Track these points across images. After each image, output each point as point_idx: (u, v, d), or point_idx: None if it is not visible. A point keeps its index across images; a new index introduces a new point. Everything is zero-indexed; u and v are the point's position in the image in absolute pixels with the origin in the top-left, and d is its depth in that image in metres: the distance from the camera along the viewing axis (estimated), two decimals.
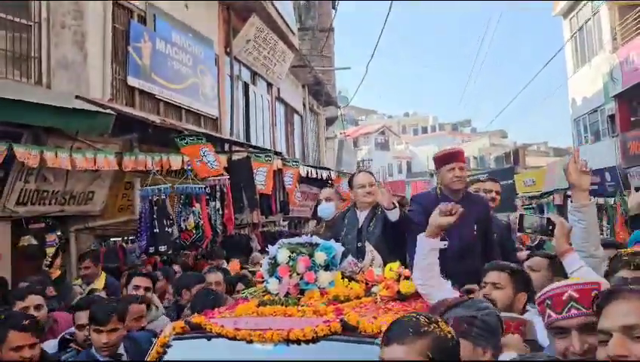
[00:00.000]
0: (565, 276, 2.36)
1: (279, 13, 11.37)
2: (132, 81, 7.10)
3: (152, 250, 5.92)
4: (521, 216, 2.71)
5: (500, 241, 3.82)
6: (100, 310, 2.89)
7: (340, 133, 25.31)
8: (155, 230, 5.90)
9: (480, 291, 2.63)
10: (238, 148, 8.44)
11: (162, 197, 5.93)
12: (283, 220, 11.49)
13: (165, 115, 7.80)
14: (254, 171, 7.59)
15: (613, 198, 14.07)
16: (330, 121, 21.00)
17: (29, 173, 5.24)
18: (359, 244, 3.54)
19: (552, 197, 19.58)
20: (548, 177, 20.41)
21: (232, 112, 9.98)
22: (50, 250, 5.36)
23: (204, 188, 6.43)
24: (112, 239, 6.75)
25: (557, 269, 2.64)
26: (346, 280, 2.72)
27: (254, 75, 11.65)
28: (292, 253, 2.71)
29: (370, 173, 4.09)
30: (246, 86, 11.22)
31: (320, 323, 2.08)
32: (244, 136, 10.83)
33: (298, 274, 2.63)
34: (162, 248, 6.03)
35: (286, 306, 2.42)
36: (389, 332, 1.53)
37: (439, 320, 1.54)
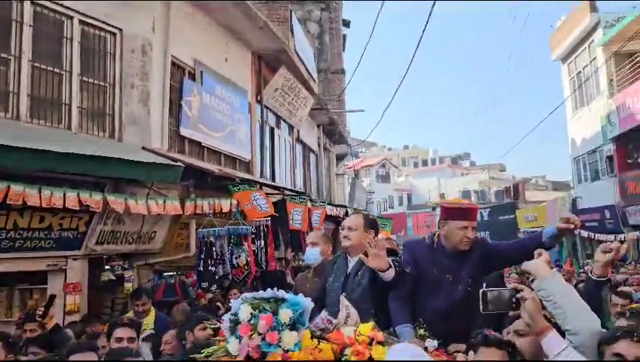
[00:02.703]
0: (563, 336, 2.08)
1: (303, 62, 12.35)
2: (184, 131, 7.94)
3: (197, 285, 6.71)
4: (484, 293, 2.21)
5: None
6: None
7: (344, 166, 26.15)
8: (199, 268, 6.72)
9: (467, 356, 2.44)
10: (271, 191, 9.23)
11: (211, 239, 6.73)
12: None
13: (208, 160, 8.62)
14: (290, 212, 8.38)
15: (612, 235, 14.84)
16: (339, 158, 21.86)
17: (108, 216, 6.01)
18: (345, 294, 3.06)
19: None
20: (549, 213, 21.20)
21: (262, 155, 10.83)
22: (128, 285, 6.04)
23: (251, 228, 7.22)
24: (165, 273, 7.46)
25: None
26: (315, 340, 2.33)
27: (279, 119, 12.53)
28: (255, 309, 2.35)
29: (366, 216, 3.74)
30: (272, 130, 12.08)
31: None
32: (271, 177, 11.63)
33: (260, 333, 2.29)
34: (204, 285, 6.83)
35: None
36: None
37: None
